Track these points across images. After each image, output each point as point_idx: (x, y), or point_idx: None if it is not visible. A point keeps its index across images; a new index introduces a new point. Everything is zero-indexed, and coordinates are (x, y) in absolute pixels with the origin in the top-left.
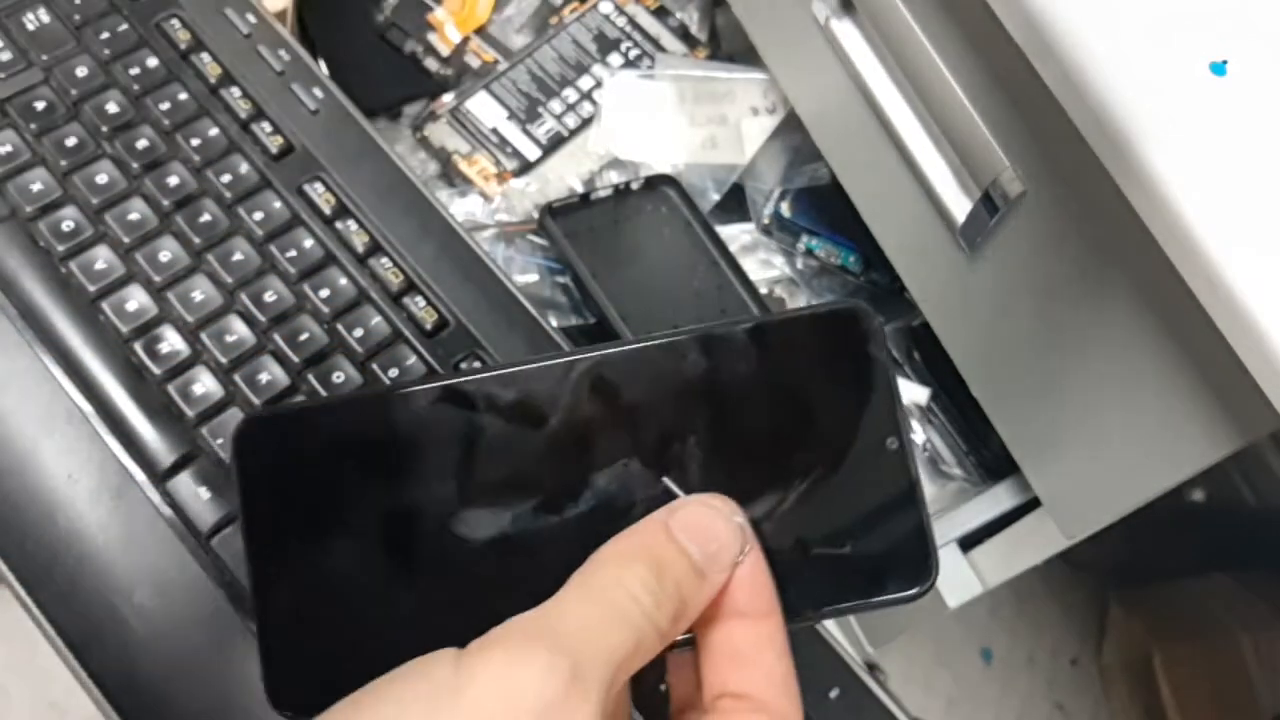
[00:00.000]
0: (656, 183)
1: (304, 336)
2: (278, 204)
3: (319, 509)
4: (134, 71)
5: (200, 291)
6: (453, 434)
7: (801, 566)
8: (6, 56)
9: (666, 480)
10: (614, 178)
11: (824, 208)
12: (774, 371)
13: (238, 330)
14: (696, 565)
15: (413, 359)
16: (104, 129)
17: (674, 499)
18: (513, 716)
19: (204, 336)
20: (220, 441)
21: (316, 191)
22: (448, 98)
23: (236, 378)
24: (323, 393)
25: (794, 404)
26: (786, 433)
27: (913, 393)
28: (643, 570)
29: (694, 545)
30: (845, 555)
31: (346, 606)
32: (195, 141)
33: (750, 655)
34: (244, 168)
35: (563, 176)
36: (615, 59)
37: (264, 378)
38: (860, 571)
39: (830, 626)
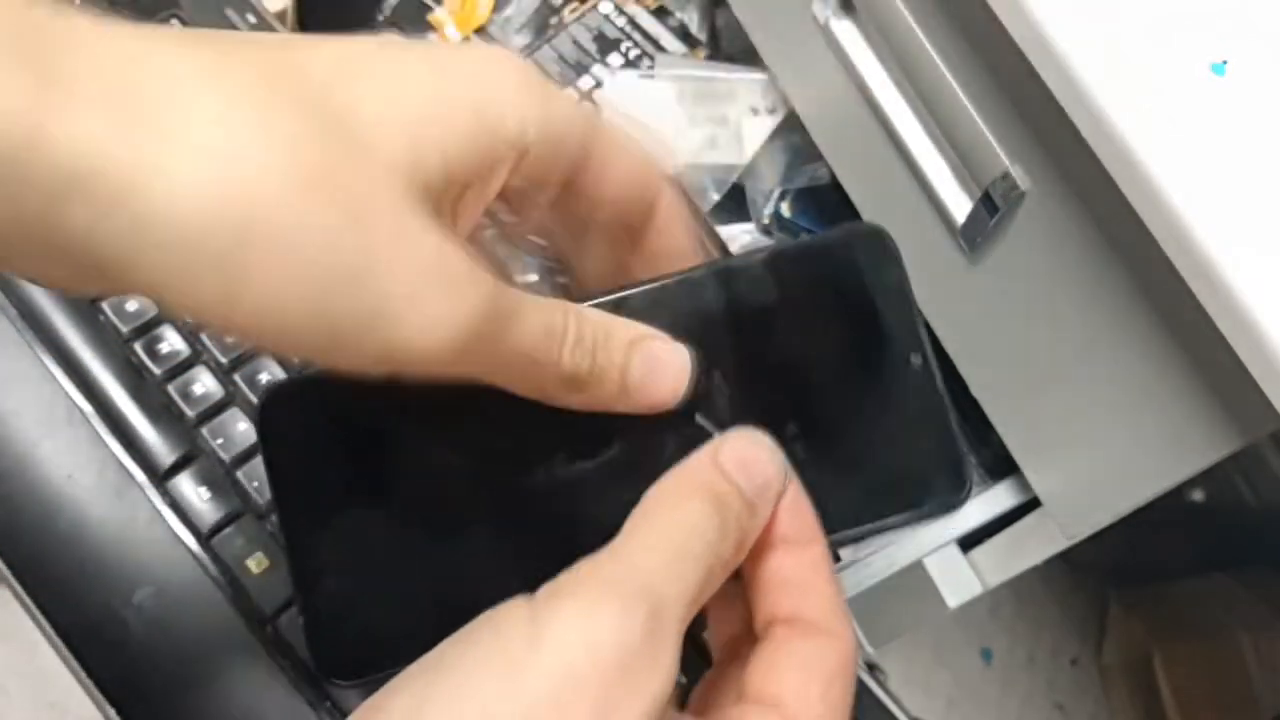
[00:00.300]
0: None
1: None
2: None
3: (353, 469)
4: None
5: None
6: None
7: (838, 485)
8: None
9: (699, 418)
10: None
11: (824, 208)
12: (795, 299)
13: None
14: (748, 498)
15: None
16: None
17: (708, 436)
18: (597, 667)
19: (204, 336)
20: (220, 441)
21: None
22: None
23: (236, 378)
24: None
25: (817, 329)
26: (812, 358)
27: None
28: (703, 506)
29: (743, 478)
30: (880, 471)
31: (389, 564)
32: None
33: (799, 581)
34: None
35: None
36: (615, 59)
37: (264, 378)
38: (896, 485)
39: None
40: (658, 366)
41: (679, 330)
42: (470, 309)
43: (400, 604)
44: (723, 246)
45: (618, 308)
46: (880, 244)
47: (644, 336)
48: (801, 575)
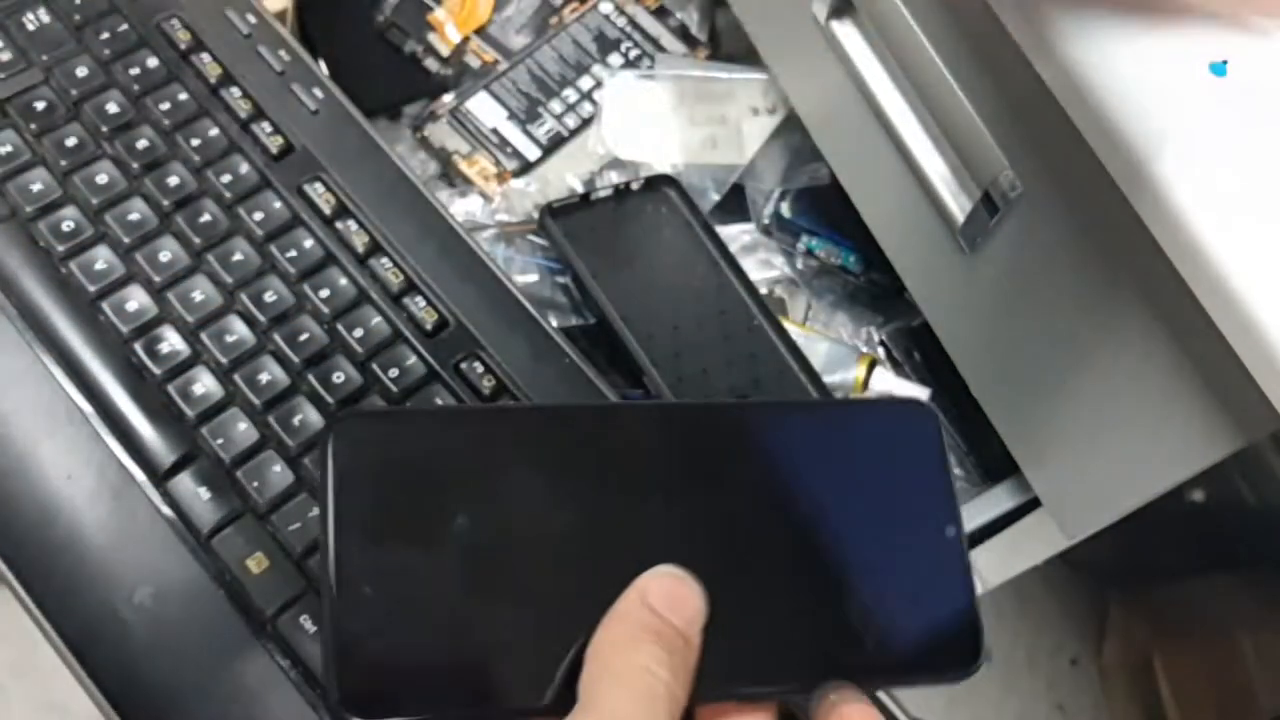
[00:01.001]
0: (656, 183)
1: (304, 336)
2: (278, 204)
3: (412, 514)
4: (134, 71)
5: (200, 291)
6: (550, 457)
7: (857, 641)
8: (7, 56)
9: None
10: (614, 178)
11: (824, 208)
12: (842, 454)
13: (238, 330)
14: (683, 632)
15: (413, 359)
16: (104, 129)
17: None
18: None
19: (204, 336)
20: (220, 442)
21: (316, 192)
22: (448, 98)
23: (236, 378)
24: (323, 392)
25: (858, 487)
26: (850, 515)
27: (912, 393)
28: (652, 649)
29: (675, 615)
30: (900, 636)
31: (427, 612)
32: (195, 141)
33: None
34: (244, 168)
35: (563, 176)
36: (615, 59)
37: (264, 378)
38: (913, 651)
39: None
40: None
41: (734, 453)
42: None
43: (434, 650)
44: (723, 248)
45: (698, 417)
46: (927, 418)
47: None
48: None
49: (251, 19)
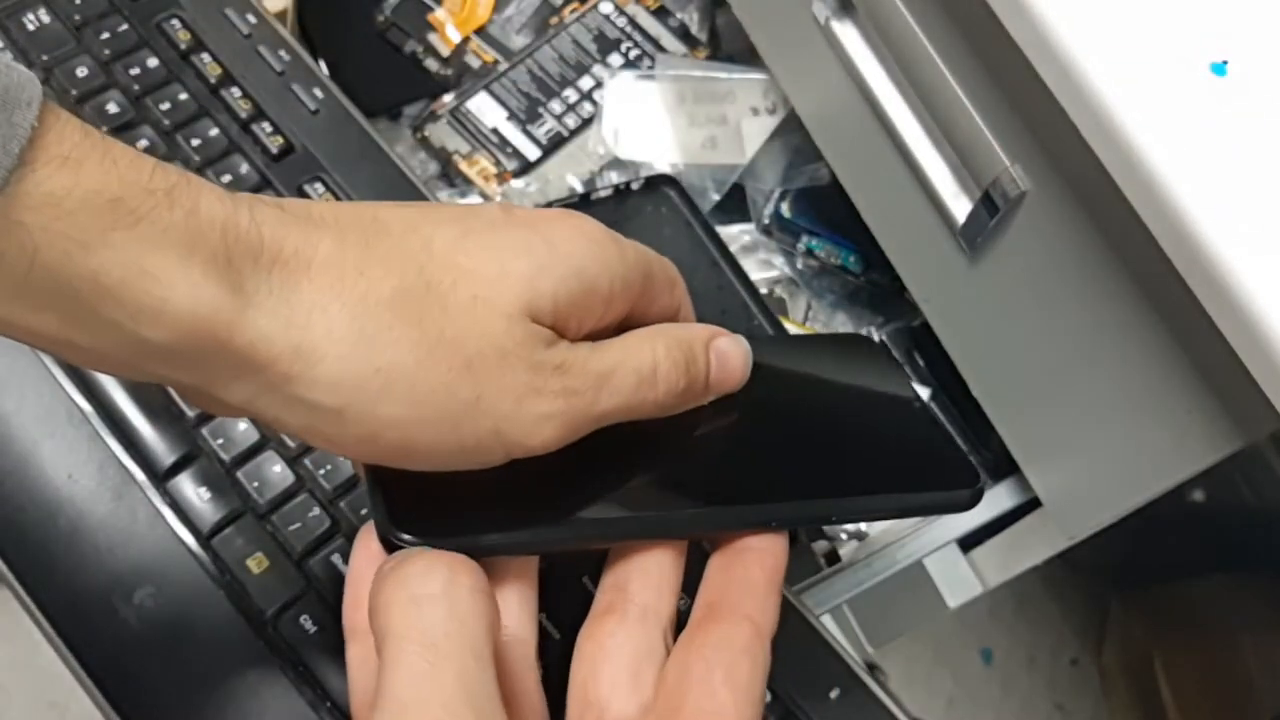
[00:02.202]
0: (656, 183)
1: None
2: None
3: None
4: (134, 71)
5: None
6: None
7: (864, 469)
8: (6, 57)
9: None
10: (614, 178)
11: (824, 208)
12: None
13: None
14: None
15: None
16: (104, 129)
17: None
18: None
19: None
20: (220, 442)
21: (317, 192)
22: (448, 98)
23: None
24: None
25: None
26: (841, 405)
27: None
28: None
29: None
30: (898, 469)
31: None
32: (195, 141)
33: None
34: (244, 168)
35: (563, 176)
36: (615, 59)
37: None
38: (915, 476)
39: (830, 626)
40: (729, 360)
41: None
42: (563, 403)
43: (482, 483)
44: (723, 248)
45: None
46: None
47: (713, 335)
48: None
49: (251, 19)
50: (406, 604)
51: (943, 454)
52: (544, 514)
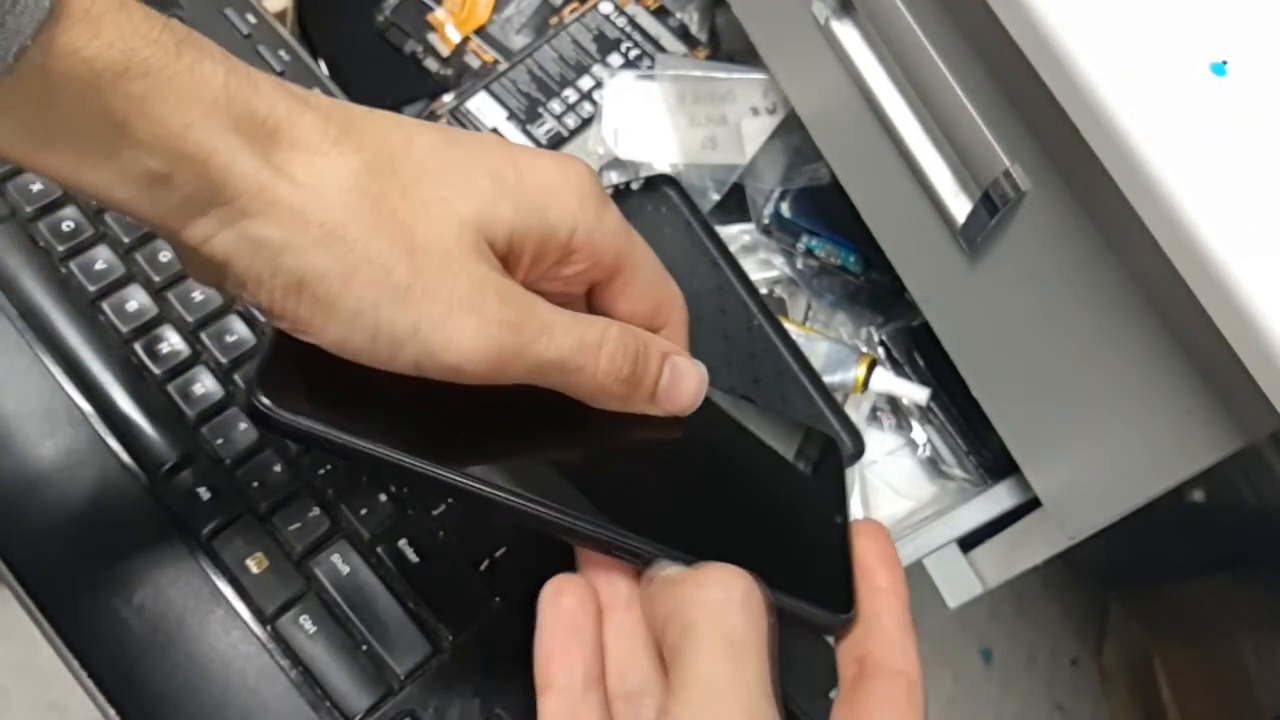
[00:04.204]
0: (656, 183)
1: None
2: None
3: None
4: None
5: (200, 291)
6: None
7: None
8: None
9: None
10: (614, 178)
11: (824, 208)
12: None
13: (238, 330)
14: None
15: None
16: None
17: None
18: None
19: (204, 336)
20: (220, 442)
21: None
22: (448, 98)
23: (236, 378)
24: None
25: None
26: (752, 473)
27: (913, 393)
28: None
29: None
30: (781, 557)
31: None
32: None
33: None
34: None
35: None
36: (615, 59)
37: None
38: (792, 573)
39: None
40: (682, 377)
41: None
42: (496, 330)
43: (360, 384)
44: (723, 248)
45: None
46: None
47: (673, 350)
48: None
49: (251, 19)
50: (711, 604)
51: (833, 575)
52: (408, 440)
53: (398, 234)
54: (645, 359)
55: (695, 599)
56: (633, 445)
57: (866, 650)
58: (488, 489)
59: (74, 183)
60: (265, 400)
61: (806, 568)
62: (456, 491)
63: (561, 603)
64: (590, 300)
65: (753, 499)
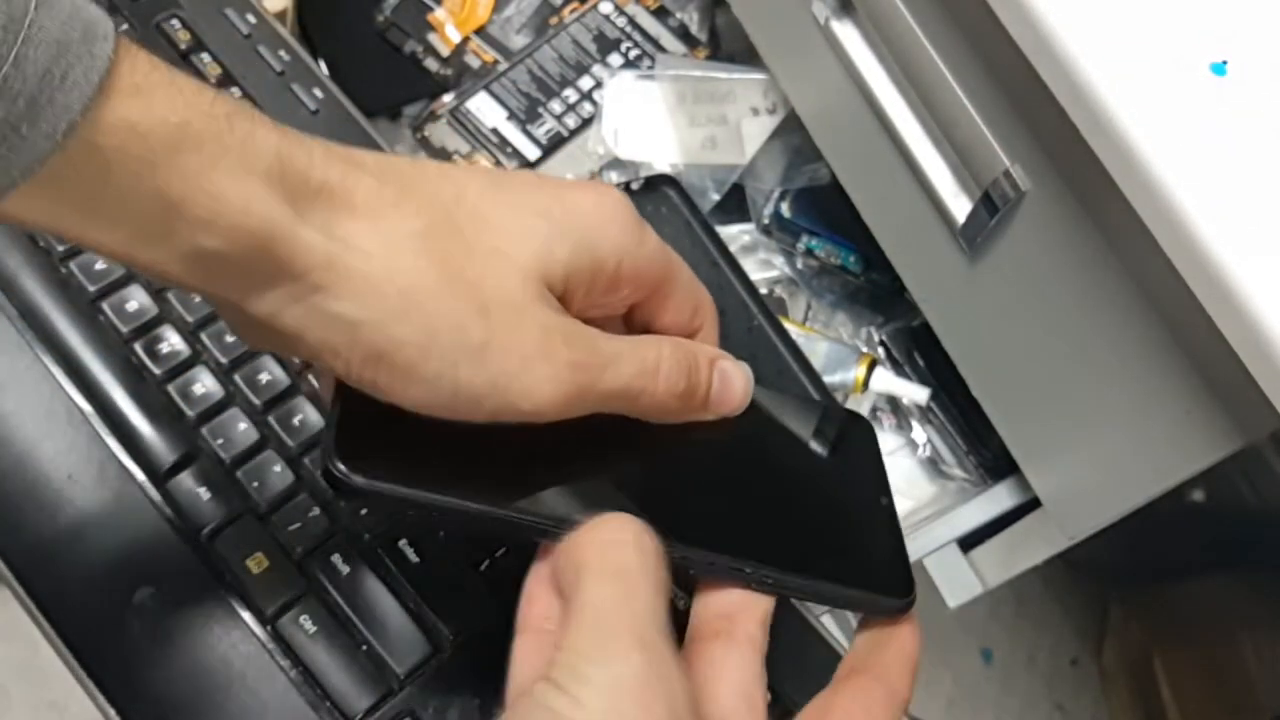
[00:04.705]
0: (656, 183)
1: None
2: None
3: None
4: None
5: None
6: None
7: (811, 549)
8: None
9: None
10: (614, 178)
11: (824, 208)
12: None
13: None
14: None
15: None
16: None
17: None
18: (632, 698)
19: (204, 336)
20: (220, 442)
21: None
22: (448, 98)
23: (236, 378)
24: (322, 392)
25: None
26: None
27: (913, 393)
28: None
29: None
30: (840, 554)
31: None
32: None
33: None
34: None
35: (563, 176)
36: (615, 59)
37: (264, 378)
38: (854, 566)
39: (830, 626)
40: (730, 381)
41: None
42: (567, 373)
43: (433, 437)
44: (723, 248)
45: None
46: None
47: (719, 355)
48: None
49: (251, 19)
50: (602, 545)
51: (891, 559)
52: (487, 488)
53: (468, 293)
54: (697, 371)
55: (586, 540)
56: (688, 456)
57: (865, 661)
58: (547, 526)
59: (129, 259)
60: (342, 468)
61: (866, 556)
62: (542, 533)
63: (543, 561)
64: (631, 314)
65: (807, 495)
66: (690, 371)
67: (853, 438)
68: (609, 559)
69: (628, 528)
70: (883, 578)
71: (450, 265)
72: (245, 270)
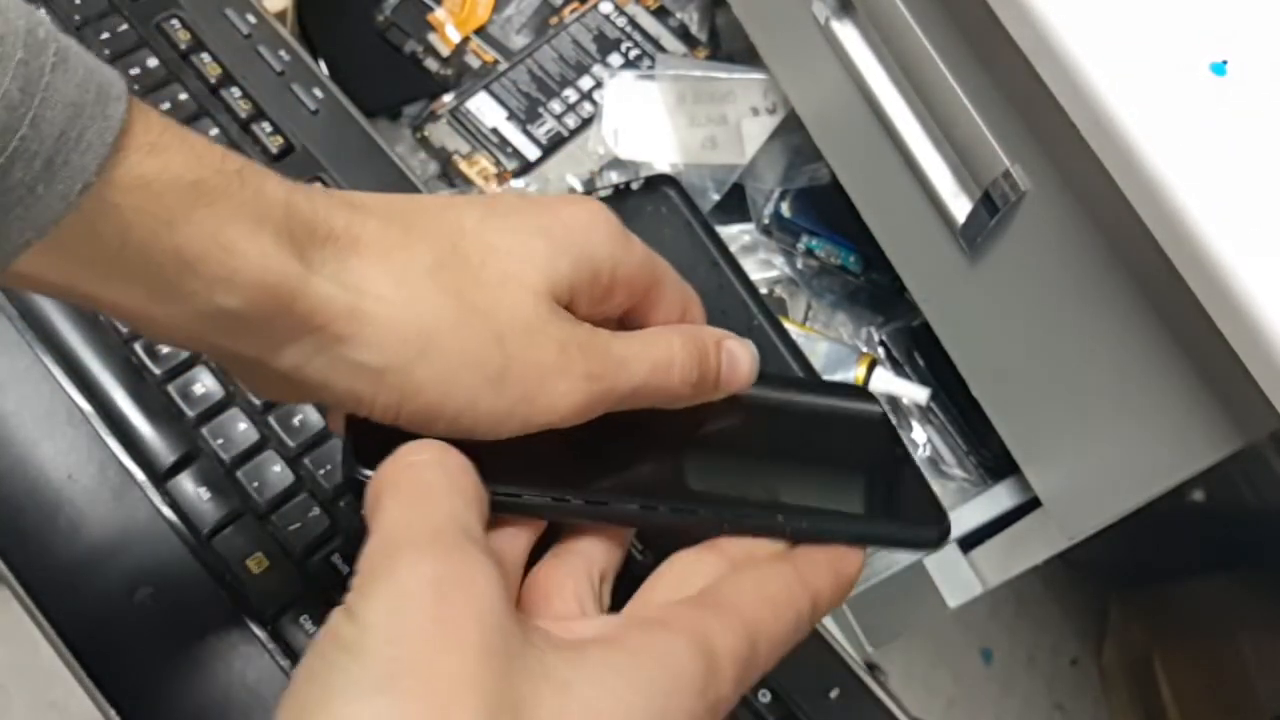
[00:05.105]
0: (656, 183)
1: None
2: None
3: None
4: (134, 72)
5: None
6: None
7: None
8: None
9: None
10: (614, 178)
11: (824, 208)
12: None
13: None
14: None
15: None
16: None
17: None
18: (419, 607)
19: None
20: (220, 442)
21: None
22: (448, 98)
23: (237, 379)
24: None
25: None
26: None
27: (913, 393)
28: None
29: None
30: (871, 501)
31: None
32: None
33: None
34: None
35: (563, 176)
36: (615, 59)
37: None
38: (885, 513)
39: (830, 626)
40: (737, 360)
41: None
42: (584, 384)
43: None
44: (723, 247)
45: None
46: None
47: (723, 336)
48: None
49: (251, 19)
50: (398, 468)
51: (917, 495)
52: (518, 477)
53: (483, 324)
54: (706, 357)
55: (384, 467)
56: (706, 433)
57: (790, 554)
58: (599, 505)
59: (148, 320)
60: (369, 473)
61: (894, 500)
62: (560, 513)
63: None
64: (624, 320)
65: (828, 455)
66: (701, 360)
67: (863, 403)
68: (403, 479)
69: (426, 448)
70: (919, 513)
71: (464, 298)
72: (265, 326)
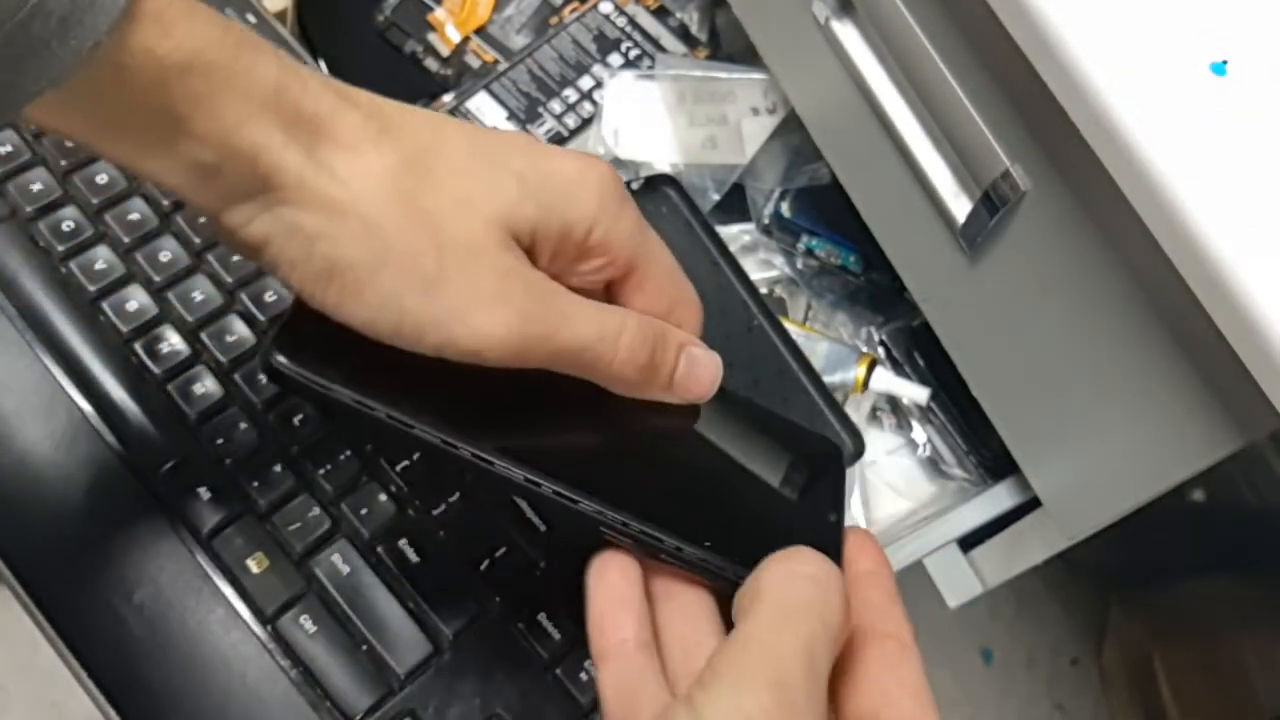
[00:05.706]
0: (656, 183)
1: None
2: None
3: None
4: None
5: (200, 291)
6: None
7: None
8: None
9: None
10: None
11: (824, 208)
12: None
13: (237, 330)
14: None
15: None
16: None
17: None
18: None
19: (204, 336)
20: (220, 442)
21: None
22: (448, 98)
23: (236, 377)
24: None
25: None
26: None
27: (913, 392)
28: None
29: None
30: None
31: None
32: None
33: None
34: None
35: None
36: (615, 59)
37: (263, 378)
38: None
39: None
40: (698, 366)
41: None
42: (518, 321)
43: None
44: (723, 247)
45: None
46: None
47: (689, 341)
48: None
49: (251, 19)
50: (780, 574)
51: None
52: (415, 404)
53: (428, 228)
54: (663, 348)
55: (769, 570)
56: (639, 432)
57: (856, 625)
58: (483, 457)
59: (134, 167)
60: (282, 359)
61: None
62: (451, 457)
63: (608, 576)
64: (608, 295)
65: (751, 493)
66: (656, 348)
67: (821, 460)
68: (782, 591)
69: (813, 561)
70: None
71: (415, 201)
72: (230, 182)
